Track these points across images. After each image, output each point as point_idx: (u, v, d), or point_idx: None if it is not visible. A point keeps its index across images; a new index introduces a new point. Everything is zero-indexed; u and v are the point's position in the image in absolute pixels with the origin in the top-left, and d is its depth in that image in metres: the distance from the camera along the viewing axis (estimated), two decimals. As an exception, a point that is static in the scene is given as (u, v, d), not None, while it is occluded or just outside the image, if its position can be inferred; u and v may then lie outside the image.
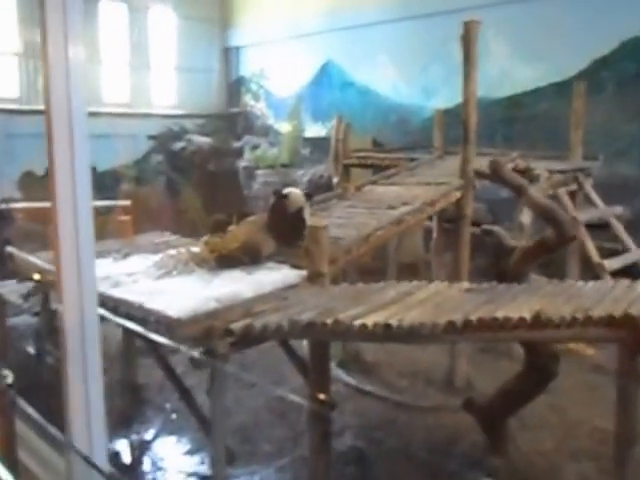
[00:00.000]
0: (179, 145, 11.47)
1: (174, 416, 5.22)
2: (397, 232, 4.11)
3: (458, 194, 4.70)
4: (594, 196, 5.96)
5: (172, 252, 4.09)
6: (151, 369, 5.79)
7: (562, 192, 5.59)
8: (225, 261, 3.72)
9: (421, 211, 4.35)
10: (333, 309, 3.04)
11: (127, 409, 5.46)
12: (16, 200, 8.70)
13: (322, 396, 3.07)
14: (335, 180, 7.46)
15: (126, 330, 3.77)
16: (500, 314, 2.71)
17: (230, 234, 3.90)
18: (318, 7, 10.84)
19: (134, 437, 5.01)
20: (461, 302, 3.04)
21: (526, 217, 5.43)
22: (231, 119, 12.75)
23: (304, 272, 3.61)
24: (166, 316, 2.85)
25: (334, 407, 3.76)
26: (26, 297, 5.01)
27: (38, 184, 9.28)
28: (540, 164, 5.61)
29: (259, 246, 3.85)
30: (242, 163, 10.81)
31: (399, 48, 9.61)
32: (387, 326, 2.77)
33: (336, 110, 10.83)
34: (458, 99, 8.99)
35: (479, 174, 4.54)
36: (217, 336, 2.88)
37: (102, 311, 3.48)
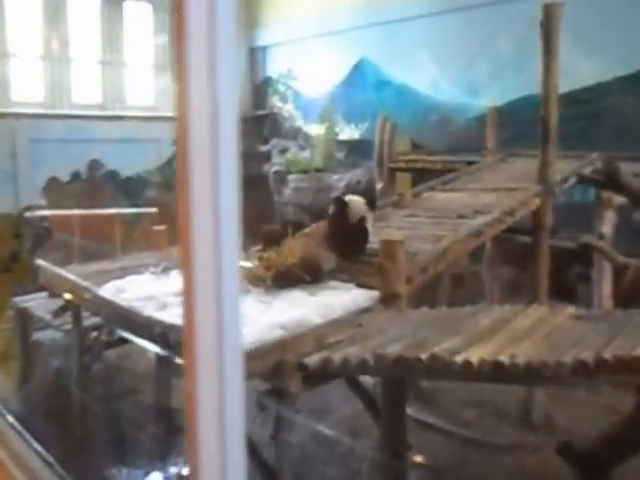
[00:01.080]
0: (205, 150, 11.13)
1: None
2: (475, 245, 3.67)
3: (537, 201, 4.24)
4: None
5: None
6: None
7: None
8: (283, 279, 3.31)
9: (501, 221, 3.90)
10: (423, 340, 2.61)
11: (161, 437, 5.10)
12: (41, 207, 8.42)
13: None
14: (379, 186, 7.05)
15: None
16: (642, 351, 2.26)
17: (286, 248, 3.49)
18: (350, 2, 10.46)
19: (171, 471, 4.64)
20: (578, 334, 2.59)
21: (607, 226, 4.96)
22: (258, 121, 12.39)
23: (375, 293, 3.18)
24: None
25: (410, 448, 3.33)
26: (56, 314, 4.68)
27: (63, 191, 9.02)
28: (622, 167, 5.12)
29: (319, 261, 3.43)
30: (272, 168, 10.43)
31: (440, 43, 9.16)
32: (498, 364, 2.33)
33: (371, 110, 10.44)
34: (508, 97, 8.64)
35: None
36: (288, 372, 2.46)
37: (147, 344, 3.12)
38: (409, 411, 4.84)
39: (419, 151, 8.82)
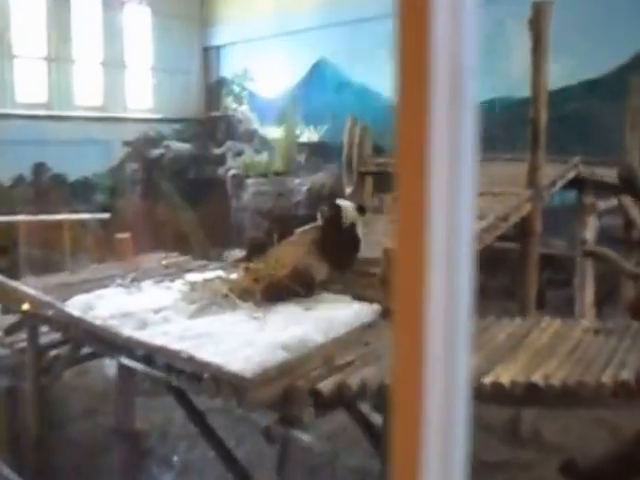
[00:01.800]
0: (157, 152, 10.68)
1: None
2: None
3: (529, 206, 4.13)
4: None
5: (199, 279, 3.38)
6: (152, 411, 5.07)
7: (629, 202, 5.07)
8: (274, 292, 3.05)
9: (495, 227, 3.76)
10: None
11: (125, 463, 4.74)
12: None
13: None
14: (348, 190, 6.85)
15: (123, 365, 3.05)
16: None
17: (273, 258, 3.23)
18: (308, 1, 10.26)
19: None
20: (604, 350, 2.44)
21: (590, 232, 4.90)
22: (211, 124, 12.00)
23: (376, 306, 2.96)
24: (233, 374, 2.16)
25: None
26: (9, 331, 4.24)
27: (4, 196, 8.39)
28: (597, 171, 5.10)
29: (311, 272, 3.19)
30: (230, 171, 10.08)
31: (403, 45, 9.07)
32: (532, 386, 2.16)
33: (330, 112, 10.27)
34: (479, 98, 8.57)
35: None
36: (300, 400, 2.20)
37: (127, 362, 2.79)
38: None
39: (383, 155, 8.68)
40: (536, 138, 4.23)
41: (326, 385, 2.22)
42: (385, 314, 2.91)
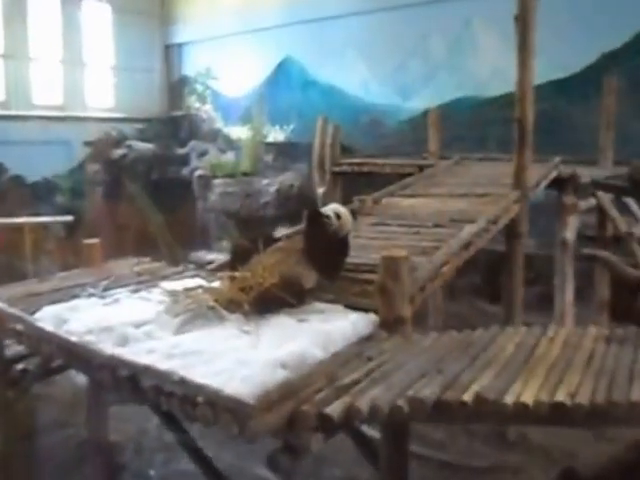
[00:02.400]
0: (119, 152, 10.22)
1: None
2: (466, 259, 3.32)
3: (517, 208, 3.98)
4: (634, 206, 5.40)
5: (179, 288, 3.10)
6: (125, 421, 4.74)
7: (607, 202, 5.01)
8: (264, 303, 2.79)
9: (487, 230, 3.59)
10: (456, 377, 2.20)
11: (99, 478, 4.41)
12: None
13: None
14: (321, 190, 6.63)
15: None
16: None
17: (259, 265, 2.97)
18: (273, -1, 9.98)
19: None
20: (624, 362, 2.28)
21: (571, 232, 4.80)
22: (174, 123, 11.59)
23: (373, 316, 2.74)
24: (233, 399, 1.90)
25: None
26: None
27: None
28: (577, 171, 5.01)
29: (301, 280, 2.95)
30: (196, 172, 9.72)
31: (370, 43, 8.88)
32: (558, 406, 1.98)
33: (296, 112, 10.02)
34: (441, 99, 8.49)
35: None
36: (306, 426, 1.97)
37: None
38: (376, 434, 4.47)
39: (351, 154, 8.49)
40: (523, 138, 4.09)
41: (334, 409, 1.98)
42: (384, 324, 2.70)
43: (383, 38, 8.70)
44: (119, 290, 3.41)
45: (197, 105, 11.53)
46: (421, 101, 8.51)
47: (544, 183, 4.58)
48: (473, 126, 7.88)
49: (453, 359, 2.40)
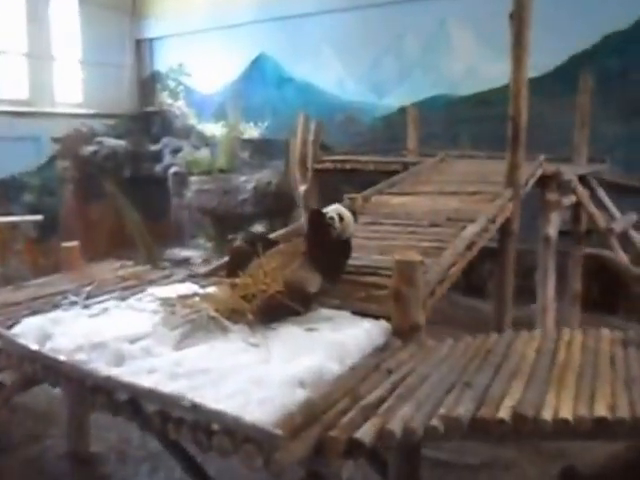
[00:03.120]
0: (90, 149, 9.75)
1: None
2: (469, 259, 3.14)
3: (511, 206, 3.83)
4: (608, 202, 5.36)
5: (172, 295, 2.82)
6: (106, 430, 4.42)
7: (586, 198, 4.93)
8: (269, 312, 2.54)
9: (487, 230, 3.42)
10: (486, 391, 2.01)
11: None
12: None
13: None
14: (302, 188, 6.38)
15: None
16: None
17: (259, 270, 2.72)
18: (248, -6, 9.63)
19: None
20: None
21: (553, 229, 4.70)
22: (146, 119, 11.14)
23: (385, 324, 2.52)
24: (257, 428, 1.65)
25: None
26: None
27: None
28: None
29: (306, 286, 2.71)
30: (172, 169, 9.33)
31: (346, 41, 8.66)
32: (600, 421, 1.80)
33: (271, 108, 9.73)
34: (416, 97, 8.34)
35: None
36: (336, 452, 1.73)
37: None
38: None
39: (328, 152, 8.25)
40: (516, 136, 3.93)
41: (365, 433, 1.76)
42: (397, 332, 2.48)
43: (359, 36, 8.49)
44: (103, 297, 3.11)
45: (169, 101, 11.10)
46: (396, 99, 8.36)
47: (532, 181, 4.45)
48: (447, 124, 7.78)
49: (476, 369, 2.21)
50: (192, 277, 3.35)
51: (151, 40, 10.99)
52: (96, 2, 10.16)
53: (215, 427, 1.75)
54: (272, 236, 3.43)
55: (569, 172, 4.72)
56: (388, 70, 8.43)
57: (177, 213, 9.80)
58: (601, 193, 5.40)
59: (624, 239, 5.40)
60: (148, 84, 11.20)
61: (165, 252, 9.07)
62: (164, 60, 10.93)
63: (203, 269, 3.30)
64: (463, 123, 7.92)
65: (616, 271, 4.11)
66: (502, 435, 1.87)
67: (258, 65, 9.74)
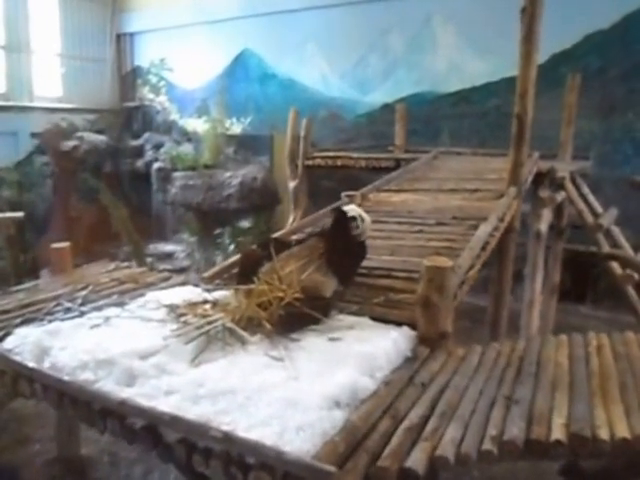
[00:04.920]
0: (70, 144, 9.27)
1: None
2: (484, 260, 2.94)
3: (515, 204, 3.65)
4: (592, 199, 5.26)
5: (179, 301, 2.55)
6: (94, 432, 4.11)
7: (575, 194, 4.80)
8: (288, 321, 2.30)
9: (497, 229, 3.23)
10: (531, 405, 1.81)
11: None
12: None
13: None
14: (292, 184, 6.11)
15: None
16: None
17: (274, 276, 2.47)
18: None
19: None
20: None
21: (544, 225, 4.56)
22: (127, 114, 10.69)
23: (408, 330, 2.30)
24: (303, 465, 1.42)
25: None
26: None
27: None
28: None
29: (323, 291, 2.47)
30: (155, 164, 8.93)
31: (330, 37, 8.38)
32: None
33: (254, 104, 9.41)
34: (399, 94, 8.13)
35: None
36: (387, 486, 1.51)
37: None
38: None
39: (312, 148, 8.00)
40: (521, 134, 3.74)
41: (418, 462, 1.54)
42: (424, 340, 2.27)
43: (343, 33, 8.23)
44: (101, 303, 2.82)
45: (151, 96, 10.66)
46: (380, 96, 8.15)
47: (530, 178, 4.29)
48: (428, 121, 7.61)
49: (514, 380, 2.01)
50: (191, 280, 3.09)
51: (132, 34, 10.52)
52: (74, -6, 9.65)
53: (251, 461, 1.51)
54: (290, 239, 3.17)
55: (562, 169, 4.58)
56: (372, 67, 8.20)
57: (160, 208, 9.43)
58: (585, 190, 5.31)
59: (606, 233, 5.33)
60: (129, 79, 10.74)
61: (148, 247, 8.71)
62: (145, 55, 10.48)
63: (206, 272, 3.01)
64: (444, 120, 7.77)
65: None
66: (558, 456, 1.68)
67: (241, 61, 9.39)
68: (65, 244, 3.61)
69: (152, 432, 1.70)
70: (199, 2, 9.35)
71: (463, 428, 1.69)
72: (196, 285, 2.94)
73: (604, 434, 1.65)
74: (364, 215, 2.64)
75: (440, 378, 2.03)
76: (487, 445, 1.61)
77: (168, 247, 9.02)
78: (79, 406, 1.92)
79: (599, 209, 5.21)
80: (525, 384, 1.97)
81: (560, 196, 4.89)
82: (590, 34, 6.55)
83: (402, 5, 7.61)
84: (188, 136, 9.93)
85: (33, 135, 8.93)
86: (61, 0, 9.52)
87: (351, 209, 2.68)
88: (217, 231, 7.63)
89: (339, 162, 5.98)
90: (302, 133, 6.10)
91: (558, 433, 1.65)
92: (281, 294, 2.34)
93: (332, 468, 1.39)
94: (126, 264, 3.75)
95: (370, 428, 1.68)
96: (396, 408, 1.81)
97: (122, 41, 10.52)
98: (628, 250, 5.06)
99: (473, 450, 1.60)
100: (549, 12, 6.80)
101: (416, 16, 7.61)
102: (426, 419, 1.75)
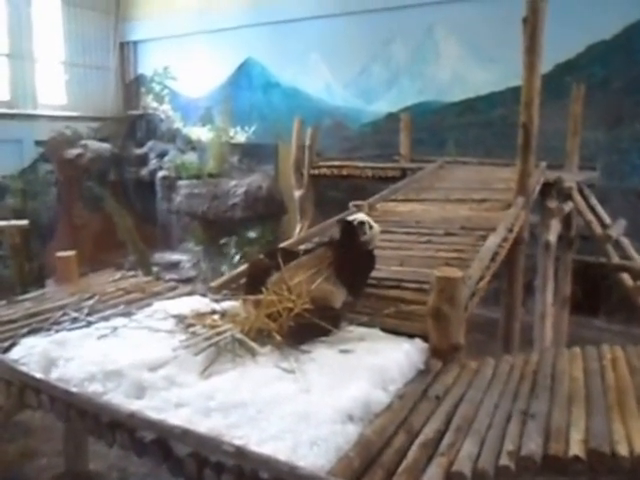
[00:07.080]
0: (74, 152, 9.29)
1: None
2: (494, 271, 2.91)
3: (523, 214, 3.63)
4: (600, 209, 5.24)
5: (186, 311, 2.53)
6: (102, 446, 4.07)
7: (583, 205, 4.78)
8: (298, 332, 2.28)
9: (507, 240, 3.21)
10: (547, 420, 1.79)
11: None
12: None
13: None
14: (297, 193, 6.11)
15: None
16: None
17: (282, 286, 2.45)
18: (235, -1, 9.30)
19: None
20: None
21: (553, 235, 4.53)
22: (131, 123, 10.71)
23: (421, 343, 2.28)
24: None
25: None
26: None
27: None
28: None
29: (333, 302, 2.45)
30: (160, 172, 8.93)
31: (334, 47, 8.40)
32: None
33: (258, 113, 9.43)
34: (403, 103, 8.15)
35: None
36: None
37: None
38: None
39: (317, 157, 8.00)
40: (528, 144, 3.73)
41: (434, 477, 1.51)
42: (436, 352, 2.24)
43: (347, 42, 8.25)
44: (107, 313, 2.80)
45: (154, 105, 10.69)
46: (384, 105, 8.16)
47: (538, 188, 4.28)
48: (433, 130, 7.62)
49: (529, 394, 1.98)
50: (198, 290, 3.07)
51: (135, 43, 10.56)
52: (79, 3, 9.71)
53: (264, 475, 1.48)
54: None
55: (569, 179, 4.57)
56: (375, 76, 8.21)
57: (165, 217, 9.43)
58: (593, 200, 5.28)
59: (615, 244, 5.30)
60: (133, 87, 10.77)
61: (154, 256, 8.70)
62: (149, 63, 10.52)
63: (214, 282, 2.99)
64: (450, 129, 7.77)
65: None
66: (577, 472, 1.65)
67: (245, 70, 9.42)
68: (71, 253, 3.59)
69: (162, 446, 1.68)
70: (203, 11, 9.40)
71: (479, 443, 1.67)
72: (204, 295, 2.92)
73: (623, 450, 1.62)
74: (372, 222, 2.63)
75: (454, 391, 2.00)
76: (504, 461, 1.59)
77: (174, 256, 9.00)
78: (87, 419, 1.90)
79: (607, 220, 5.19)
80: (540, 398, 1.95)
81: (568, 207, 4.87)
82: (592, 44, 6.57)
83: (405, 15, 7.64)
84: (192, 145, 9.94)
85: (37, 143, 8.95)
86: (65, 8, 9.58)
87: (360, 216, 2.67)
88: (223, 241, 7.61)
89: (345, 171, 5.97)
90: (307, 142, 6.11)
91: (576, 449, 1.63)
92: (290, 305, 2.32)
93: (347, 483, 1.36)
94: (132, 273, 3.73)
95: (385, 443, 1.65)
96: (411, 422, 1.78)
97: (125, 49, 10.56)
98: (639, 261, 5.03)
99: (490, 466, 1.57)
100: (551, 22, 6.84)
101: (419, 26, 7.64)
102: (442, 434, 1.72)
